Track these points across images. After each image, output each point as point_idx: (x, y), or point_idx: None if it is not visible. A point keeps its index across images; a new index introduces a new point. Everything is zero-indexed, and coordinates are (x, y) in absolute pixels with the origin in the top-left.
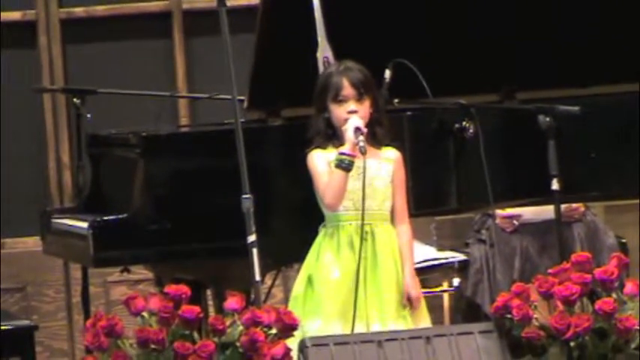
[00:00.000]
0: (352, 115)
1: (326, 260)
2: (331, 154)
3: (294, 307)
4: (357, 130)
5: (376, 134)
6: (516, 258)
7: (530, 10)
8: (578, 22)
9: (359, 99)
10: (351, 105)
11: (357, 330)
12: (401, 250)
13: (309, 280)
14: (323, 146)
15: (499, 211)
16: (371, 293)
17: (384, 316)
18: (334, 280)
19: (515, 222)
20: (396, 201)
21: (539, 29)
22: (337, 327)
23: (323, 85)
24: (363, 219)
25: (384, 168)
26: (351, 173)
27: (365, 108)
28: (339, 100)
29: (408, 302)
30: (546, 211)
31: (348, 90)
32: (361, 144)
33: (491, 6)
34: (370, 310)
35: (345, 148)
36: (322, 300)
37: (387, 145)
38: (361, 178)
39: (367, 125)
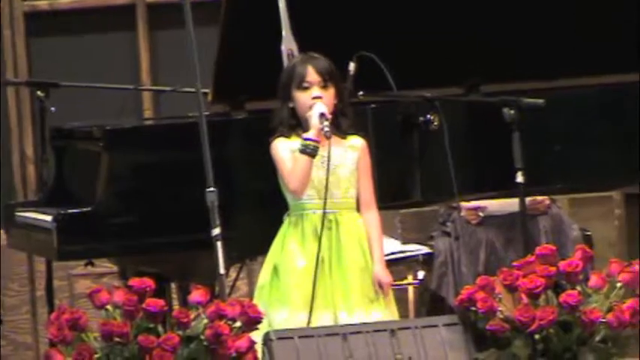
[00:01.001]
0: (317, 101)
1: (291, 249)
2: (295, 143)
3: (260, 296)
4: (322, 115)
5: (341, 125)
6: (481, 251)
7: (494, 2)
8: (542, 15)
9: (323, 85)
10: (316, 91)
11: (324, 321)
12: (369, 237)
13: (275, 270)
14: (286, 135)
15: (464, 203)
16: (337, 282)
17: (350, 304)
18: (300, 269)
19: (480, 214)
20: (362, 188)
21: (503, 21)
22: (304, 317)
23: (288, 74)
24: (325, 207)
25: (349, 156)
26: (315, 162)
27: (329, 95)
28: (303, 86)
29: (380, 289)
30: (511, 204)
31: (312, 76)
32: (326, 129)
33: None
34: (337, 298)
35: (310, 134)
36: (288, 289)
37: (352, 134)
38: (325, 167)
39: (331, 115)
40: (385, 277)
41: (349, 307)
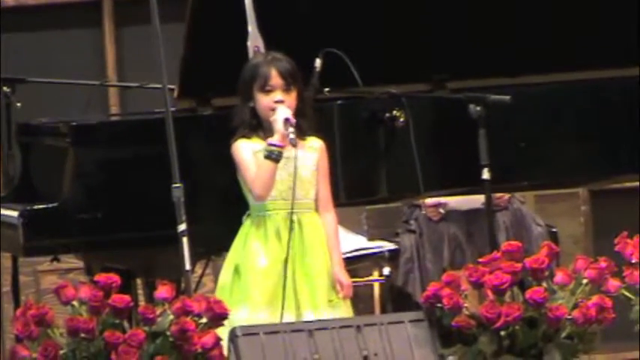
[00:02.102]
0: (279, 105)
1: (253, 249)
2: (256, 145)
3: (221, 296)
4: (287, 121)
5: (301, 126)
6: (445, 246)
7: None
8: (509, 11)
9: (286, 89)
10: (278, 95)
11: (287, 318)
12: (327, 238)
13: (236, 269)
14: (248, 136)
15: (426, 201)
16: (301, 281)
17: (315, 303)
18: (262, 269)
19: (441, 210)
20: (320, 189)
21: (469, 18)
22: (264, 316)
23: (250, 74)
24: (292, 208)
25: (309, 157)
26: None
27: (292, 98)
28: (266, 89)
29: (340, 290)
30: (471, 199)
31: (275, 80)
32: (292, 136)
33: None
34: (301, 298)
35: (275, 139)
36: (249, 289)
37: (310, 135)
38: (287, 168)
39: (293, 116)
40: (345, 278)
41: (315, 306)
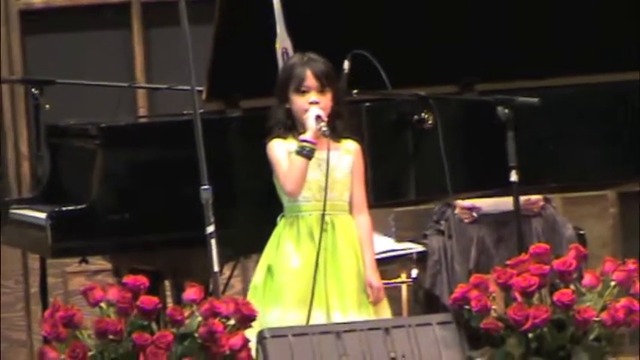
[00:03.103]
0: (313, 106)
1: (286, 249)
2: (291, 144)
3: (254, 296)
4: (318, 117)
5: (336, 127)
6: (472, 248)
7: (489, 1)
8: (535, 13)
9: (321, 90)
10: (313, 96)
11: (317, 319)
12: (361, 241)
13: (269, 270)
14: (283, 136)
15: (459, 202)
16: (331, 283)
17: (344, 305)
18: (294, 269)
19: (474, 214)
20: (355, 192)
21: (498, 20)
22: (296, 316)
23: (286, 75)
24: (324, 209)
25: (344, 159)
26: (312, 165)
27: (327, 100)
28: (301, 90)
29: (370, 293)
30: (504, 203)
31: (310, 81)
32: (324, 128)
33: None
34: (331, 299)
35: (307, 136)
36: (282, 289)
37: (347, 138)
38: (320, 170)
39: (328, 117)
40: (376, 281)
41: (344, 308)
